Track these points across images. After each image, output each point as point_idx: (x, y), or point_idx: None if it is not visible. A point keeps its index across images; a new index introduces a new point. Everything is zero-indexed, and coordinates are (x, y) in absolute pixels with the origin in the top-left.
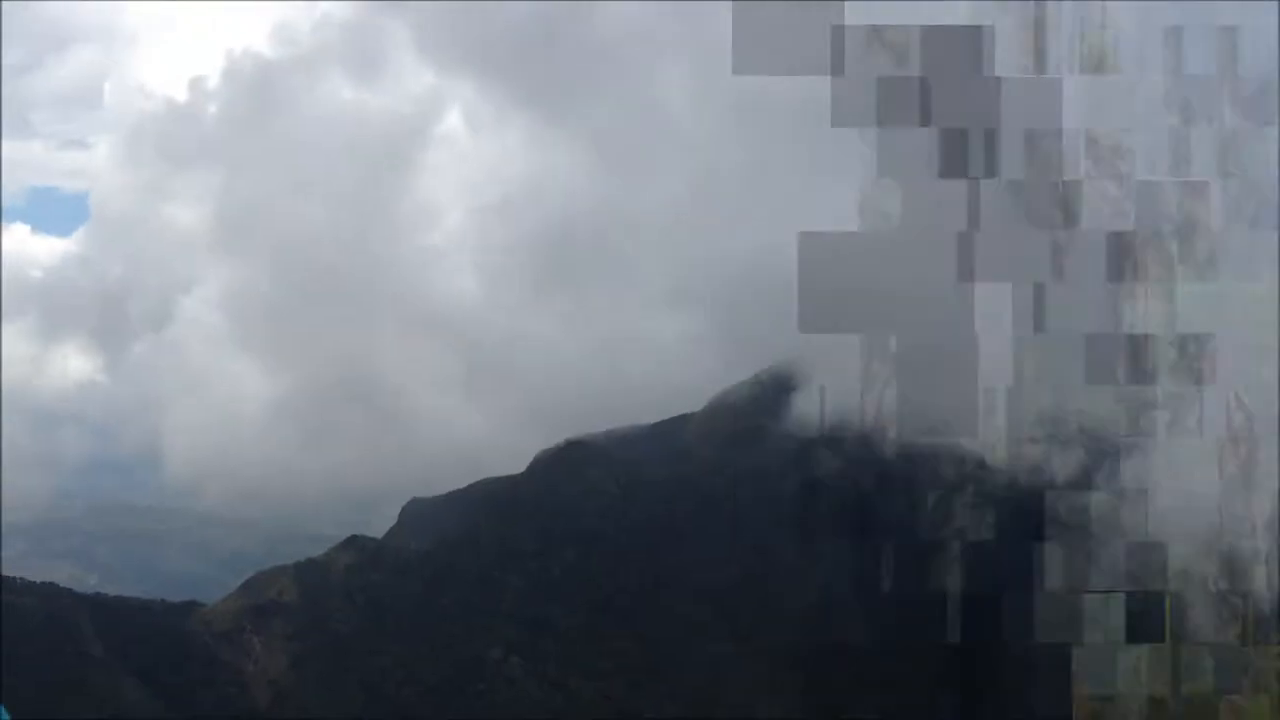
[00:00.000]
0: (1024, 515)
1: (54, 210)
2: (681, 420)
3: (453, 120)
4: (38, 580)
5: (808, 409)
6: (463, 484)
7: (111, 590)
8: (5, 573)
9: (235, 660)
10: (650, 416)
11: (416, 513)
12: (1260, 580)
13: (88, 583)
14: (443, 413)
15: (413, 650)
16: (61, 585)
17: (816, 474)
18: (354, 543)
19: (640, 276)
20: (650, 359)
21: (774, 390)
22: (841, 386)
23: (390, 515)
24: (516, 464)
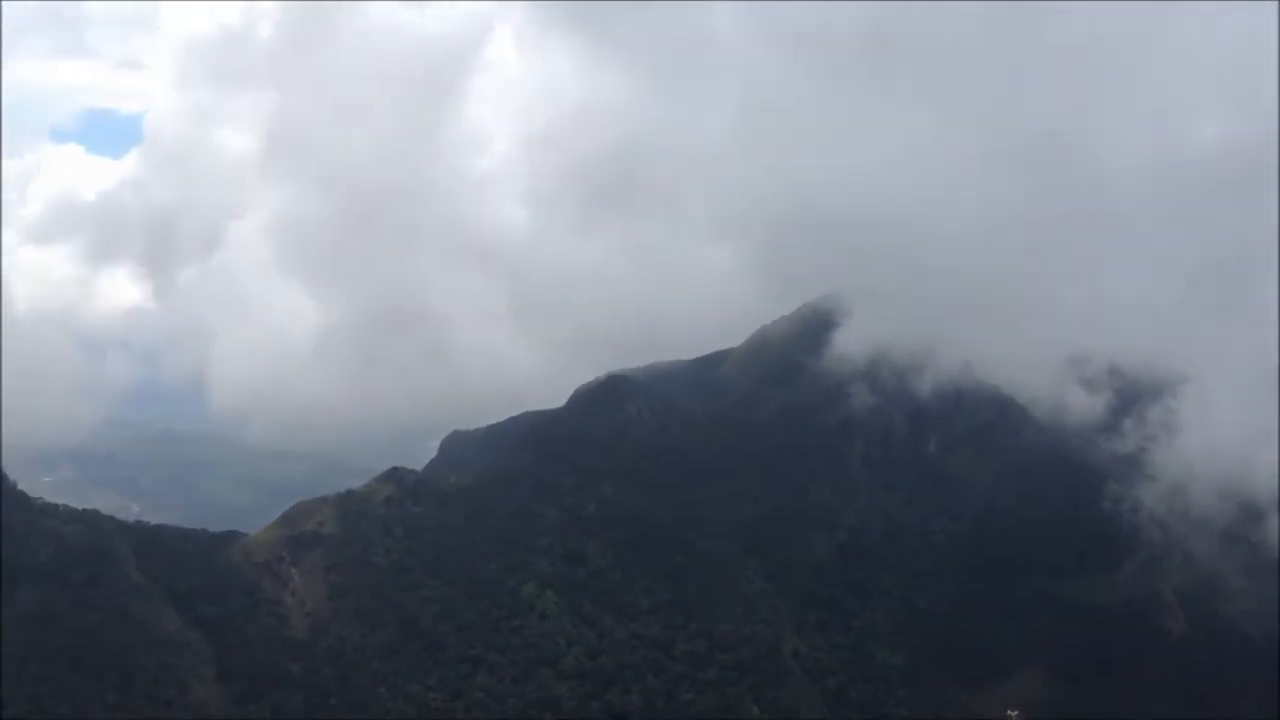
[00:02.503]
0: (1055, 456)
1: (109, 132)
2: (721, 355)
3: (502, 43)
4: (81, 508)
5: (847, 346)
6: (504, 417)
7: (155, 519)
8: (51, 500)
9: (274, 591)
10: (691, 351)
11: (457, 445)
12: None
13: (131, 511)
14: (487, 344)
15: (449, 584)
16: (105, 513)
17: (851, 411)
18: (394, 475)
19: (687, 207)
20: (693, 292)
21: (814, 326)
22: (882, 324)
23: (432, 448)
24: (558, 398)
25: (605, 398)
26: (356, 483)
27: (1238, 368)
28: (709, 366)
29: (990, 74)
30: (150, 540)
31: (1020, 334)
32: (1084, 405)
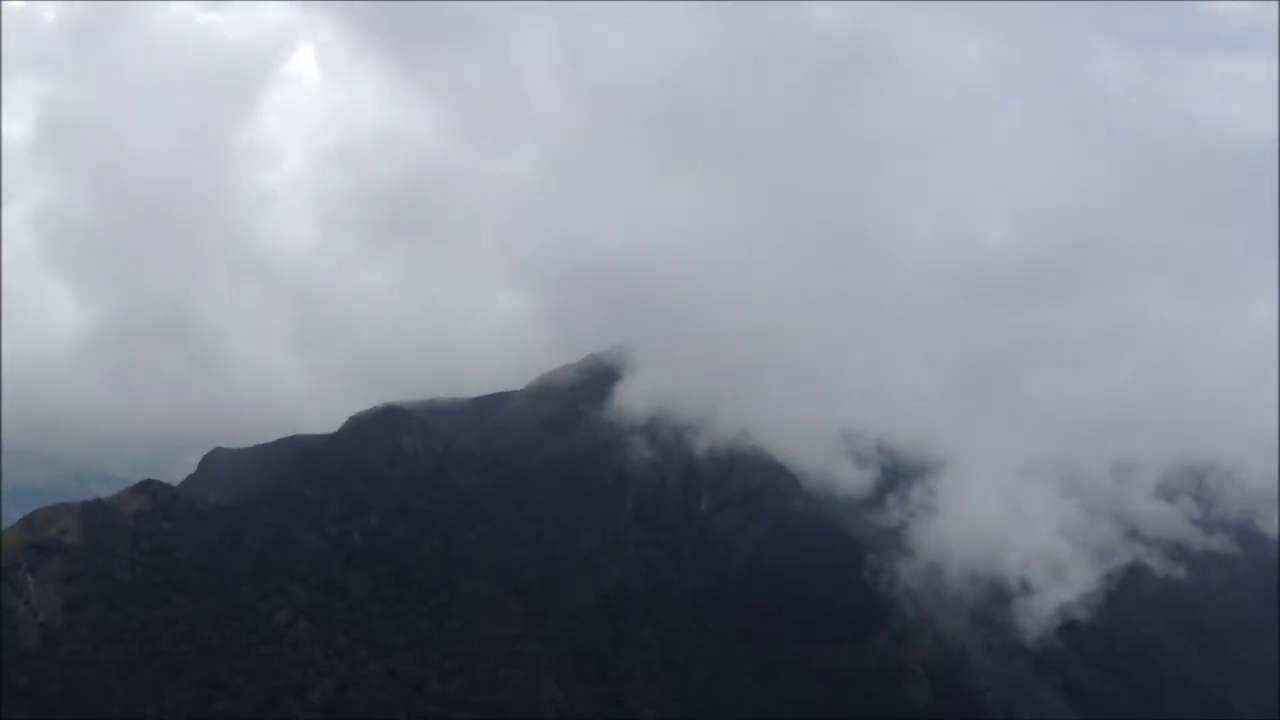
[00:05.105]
0: (821, 525)
1: None
2: (503, 397)
3: (305, 58)
4: None
5: (627, 399)
6: (272, 438)
7: None
8: None
9: (6, 598)
10: (472, 390)
11: (218, 463)
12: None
13: None
14: (260, 363)
15: (197, 605)
16: None
17: (626, 464)
18: (147, 487)
19: (479, 247)
20: (479, 332)
21: (597, 378)
22: (664, 383)
23: (192, 464)
24: (331, 423)
25: (380, 428)
26: (106, 492)
27: (994, 458)
28: (489, 407)
29: (795, 156)
30: None
31: (797, 406)
32: (852, 479)
